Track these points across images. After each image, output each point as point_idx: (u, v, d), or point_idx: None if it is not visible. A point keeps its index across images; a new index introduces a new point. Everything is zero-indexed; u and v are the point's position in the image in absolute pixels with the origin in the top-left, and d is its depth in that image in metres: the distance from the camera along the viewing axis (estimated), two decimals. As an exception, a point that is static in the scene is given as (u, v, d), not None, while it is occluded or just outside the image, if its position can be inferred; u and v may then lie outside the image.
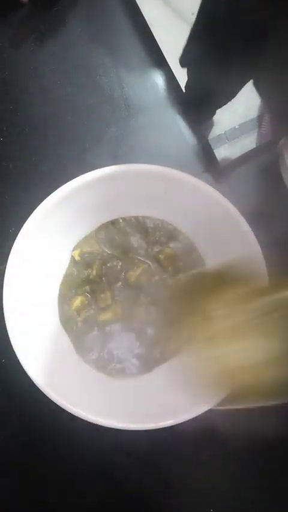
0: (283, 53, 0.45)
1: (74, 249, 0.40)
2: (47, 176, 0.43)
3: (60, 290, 0.39)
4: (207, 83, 0.70)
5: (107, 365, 0.38)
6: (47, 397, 0.33)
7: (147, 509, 0.41)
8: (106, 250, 0.40)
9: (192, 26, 0.60)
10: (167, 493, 0.40)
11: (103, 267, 0.39)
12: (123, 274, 0.39)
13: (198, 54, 0.63)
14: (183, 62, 0.66)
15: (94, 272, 0.39)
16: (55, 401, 0.33)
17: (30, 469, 0.41)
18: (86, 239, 0.40)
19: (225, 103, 0.83)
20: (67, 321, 0.39)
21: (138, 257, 0.40)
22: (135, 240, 0.40)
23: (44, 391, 0.33)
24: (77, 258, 0.39)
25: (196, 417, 0.33)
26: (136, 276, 0.38)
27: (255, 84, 0.63)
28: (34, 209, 0.35)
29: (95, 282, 0.39)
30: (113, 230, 0.40)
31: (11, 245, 0.35)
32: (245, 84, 0.69)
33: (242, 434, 0.41)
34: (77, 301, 0.38)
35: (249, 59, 0.52)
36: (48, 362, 0.36)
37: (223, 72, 0.62)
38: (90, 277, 0.39)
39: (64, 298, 0.39)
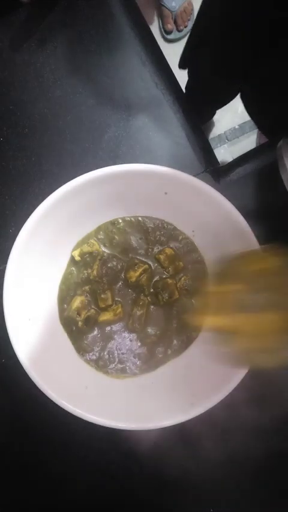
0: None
1: (73, 249, 0.40)
2: (47, 176, 0.43)
3: (60, 290, 0.39)
4: (208, 84, 0.70)
5: (107, 365, 0.38)
6: (47, 397, 0.33)
7: (147, 509, 0.41)
8: (106, 250, 0.40)
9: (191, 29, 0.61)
10: (167, 492, 0.40)
11: (103, 267, 0.39)
12: (123, 274, 0.39)
13: (198, 56, 0.63)
14: (183, 63, 0.67)
15: (94, 272, 0.39)
16: (55, 401, 0.33)
17: (30, 469, 0.41)
18: (86, 239, 0.40)
19: (225, 104, 0.84)
20: (67, 321, 0.39)
21: (139, 257, 0.40)
22: (135, 240, 0.40)
23: (44, 390, 0.33)
24: (77, 258, 0.39)
25: (196, 417, 0.33)
26: (136, 276, 0.38)
27: (243, 100, 0.63)
28: (34, 209, 0.35)
29: (95, 282, 0.39)
30: (112, 230, 0.40)
31: (11, 245, 0.35)
32: (242, 83, 0.69)
33: (243, 436, 0.41)
34: (77, 302, 0.38)
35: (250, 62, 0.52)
36: (49, 362, 0.36)
37: (223, 74, 0.62)
38: (90, 277, 0.39)
39: (64, 298, 0.39)
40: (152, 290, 0.39)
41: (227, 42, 0.49)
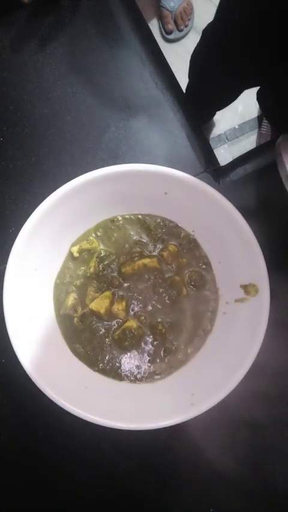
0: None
1: (72, 245, 0.40)
2: (47, 176, 0.43)
3: (55, 286, 0.39)
4: (209, 85, 0.70)
5: (106, 367, 0.38)
6: (47, 397, 0.33)
7: (147, 509, 0.41)
8: (105, 248, 0.40)
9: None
10: (166, 492, 0.40)
11: (101, 264, 0.39)
12: (122, 271, 0.39)
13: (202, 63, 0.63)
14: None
15: (91, 269, 0.39)
16: (55, 401, 0.33)
17: (30, 469, 0.41)
18: (85, 236, 0.40)
19: (226, 105, 0.84)
20: (63, 319, 0.39)
21: (139, 254, 0.40)
22: (136, 237, 0.40)
23: (44, 391, 0.33)
24: (75, 254, 0.39)
25: (196, 417, 0.33)
26: (136, 274, 0.38)
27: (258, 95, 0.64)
28: (34, 209, 0.35)
29: (93, 279, 0.39)
30: (111, 227, 0.40)
31: (11, 245, 0.35)
32: (247, 87, 0.70)
33: (243, 434, 0.41)
34: (71, 298, 0.38)
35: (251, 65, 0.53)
36: (49, 362, 0.36)
37: (224, 75, 0.62)
38: (87, 274, 0.39)
39: (59, 295, 0.39)
40: (161, 290, 0.39)
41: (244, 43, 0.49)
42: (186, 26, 1.14)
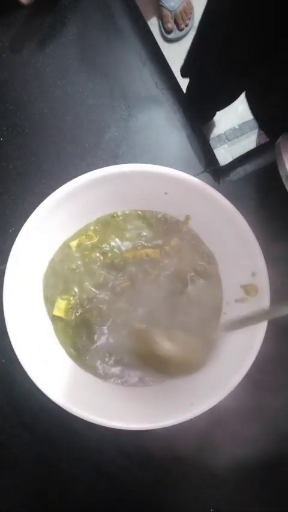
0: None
1: (71, 240, 0.39)
2: (47, 176, 0.43)
3: (53, 283, 0.39)
4: (209, 85, 0.70)
5: (105, 370, 0.38)
6: (47, 397, 0.33)
7: (147, 509, 0.41)
8: (104, 243, 0.40)
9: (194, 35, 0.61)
10: (167, 493, 0.40)
11: (100, 261, 0.39)
12: (124, 256, 0.39)
13: (200, 61, 0.63)
14: (185, 72, 0.67)
15: (91, 268, 0.39)
16: (55, 401, 0.33)
17: (30, 469, 0.41)
18: (84, 230, 0.40)
19: (226, 105, 0.84)
20: (63, 318, 0.39)
21: (141, 245, 0.39)
22: (135, 233, 0.40)
23: (44, 391, 0.33)
24: (74, 249, 0.39)
25: (196, 417, 0.33)
26: (136, 271, 0.38)
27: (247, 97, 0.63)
28: (34, 209, 0.35)
29: (92, 277, 0.39)
30: (111, 223, 0.40)
31: (11, 245, 0.35)
32: (246, 84, 0.69)
33: (242, 434, 0.41)
34: (68, 296, 0.38)
35: (249, 65, 0.52)
36: (49, 362, 0.36)
37: (224, 76, 0.62)
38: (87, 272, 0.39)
39: (55, 292, 0.39)
40: (163, 284, 0.39)
41: (234, 40, 0.48)
42: (186, 26, 1.14)
